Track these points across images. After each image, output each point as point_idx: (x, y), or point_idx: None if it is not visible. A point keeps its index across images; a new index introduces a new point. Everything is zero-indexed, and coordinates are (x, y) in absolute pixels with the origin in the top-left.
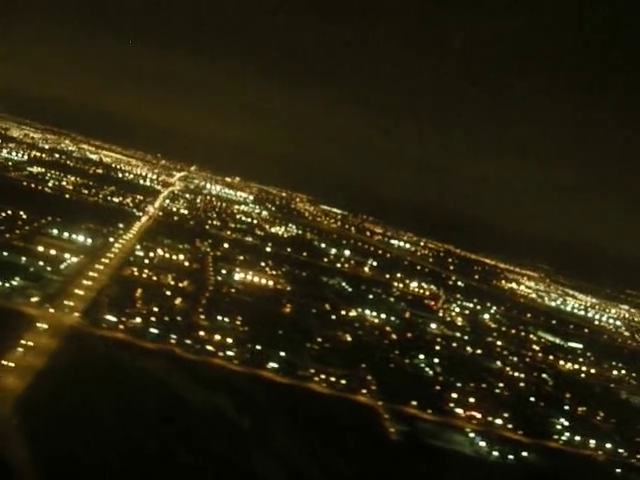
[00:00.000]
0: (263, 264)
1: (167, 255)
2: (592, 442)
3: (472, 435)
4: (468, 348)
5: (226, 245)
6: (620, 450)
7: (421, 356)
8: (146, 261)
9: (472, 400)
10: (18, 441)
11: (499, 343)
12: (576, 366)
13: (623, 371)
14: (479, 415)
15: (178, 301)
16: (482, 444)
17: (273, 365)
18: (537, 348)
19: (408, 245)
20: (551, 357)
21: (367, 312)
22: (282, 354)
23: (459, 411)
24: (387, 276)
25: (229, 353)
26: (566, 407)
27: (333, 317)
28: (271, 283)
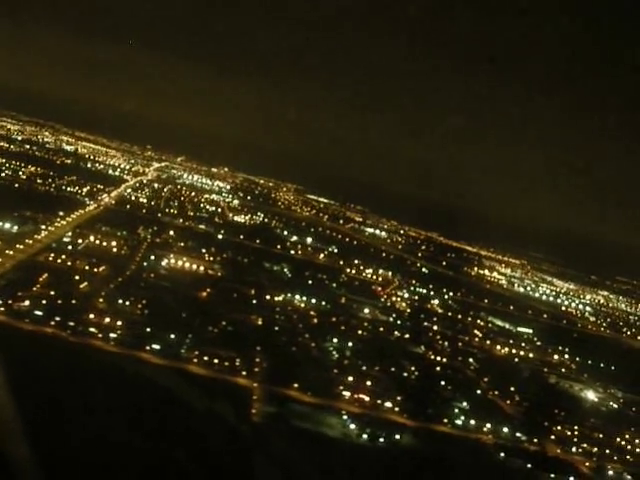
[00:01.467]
0: (204, 251)
1: (97, 242)
2: (487, 426)
3: (345, 417)
4: (396, 332)
5: (172, 232)
6: (517, 434)
7: (334, 340)
8: (69, 247)
9: (368, 384)
10: None
11: (435, 328)
12: (514, 351)
13: (566, 356)
14: (367, 398)
15: (83, 285)
16: (352, 426)
17: (155, 346)
18: (478, 333)
19: (384, 233)
20: (488, 342)
21: (297, 297)
22: (172, 336)
23: (346, 394)
24: (341, 262)
25: (112, 335)
26: (478, 391)
27: (254, 302)
28: (202, 269)
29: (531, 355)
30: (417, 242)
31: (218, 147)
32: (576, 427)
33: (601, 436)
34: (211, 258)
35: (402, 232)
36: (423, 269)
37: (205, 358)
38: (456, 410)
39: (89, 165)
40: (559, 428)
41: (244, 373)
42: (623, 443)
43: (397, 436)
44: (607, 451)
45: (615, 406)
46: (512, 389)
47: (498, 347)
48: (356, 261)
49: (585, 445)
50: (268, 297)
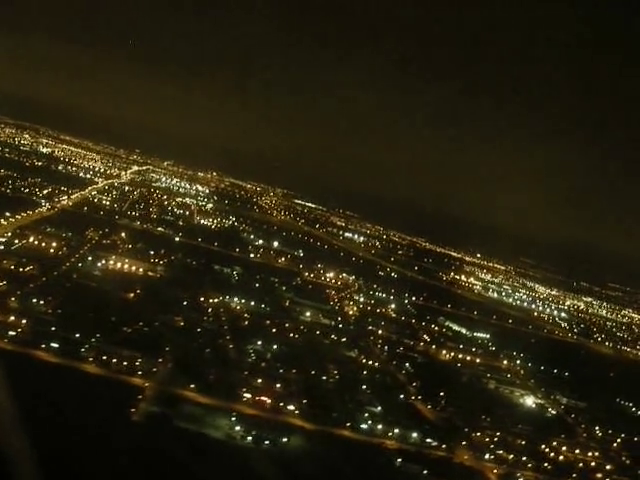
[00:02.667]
0: (152, 252)
1: (35, 242)
2: (395, 431)
3: (233, 419)
4: (332, 336)
5: (123, 234)
6: (428, 440)
7: (258, 342)
8: (1, 247)
9: (277, 386)
10: None
11: (380, 332)
12: (460, 356)
13: (517, 361)
14: (269, 401)
15: (1, 284)
16: (237, 428)
17: (53, 345)
18: (427, 338)
19: (362, 237)
20: (435, 347)
21: (235, 299)
22: (77, 336)
23: (247, 396)
24: (301, 266)
25: (10, 333)
26: (401, 396)
27: (185, 303)
28: (142, 270)
29: (478, 360)
30: (397, 247)
31: (215, 154)
32: (498, 433)
33: (523, 443)
34: (157, 260)
35: (385, 237)
36: (392, 273)
37: (104, 358)
38: (366, 414)
39: (60, 167)
40: (478, 434)
41: (140, 373)
42: (546, 450)
43: (284, 439)
44: (524, 458)
45: (553, 412)
46: (442, 394)
47: (444, 352)
48: (319, 265)
49: (501, 452)
50: (203, 299)
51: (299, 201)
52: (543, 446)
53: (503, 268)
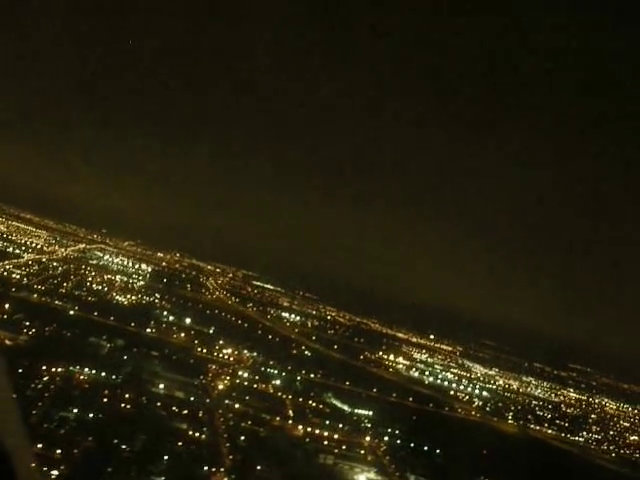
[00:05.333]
0: (27, 324)
1: None
2: None
3: None
4: (173, 408)
5: (7, 306)
6: None
7: (75, 411)
8: None
9: (57, 452)
10: None
11: (237, 406)
12: (317, 431)
13: (385, 438)
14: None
15: None
16: None
17: None
18: (291, 414)
19: (299, 317)
20: (292, 422)
21: (86, 370)
22: None
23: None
24: (198, 342)
25: None
26: (204, 468)
27: (20, 371)
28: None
29: (336, 436)
30: (335, 327)
31: (191, 237)
32: None
33: None
34: (26, 330)
35: (329, 318)
36: (306, 352)
37: None
38: None
39: None
40: None
41: None
42: None
43: None
44: None
45: None
46: (258, 468)
47: (300, 427)
48: (222, 342)
49: None
50: (45, 368)
51: (258, 283)
52: None
53: (449, 349)
